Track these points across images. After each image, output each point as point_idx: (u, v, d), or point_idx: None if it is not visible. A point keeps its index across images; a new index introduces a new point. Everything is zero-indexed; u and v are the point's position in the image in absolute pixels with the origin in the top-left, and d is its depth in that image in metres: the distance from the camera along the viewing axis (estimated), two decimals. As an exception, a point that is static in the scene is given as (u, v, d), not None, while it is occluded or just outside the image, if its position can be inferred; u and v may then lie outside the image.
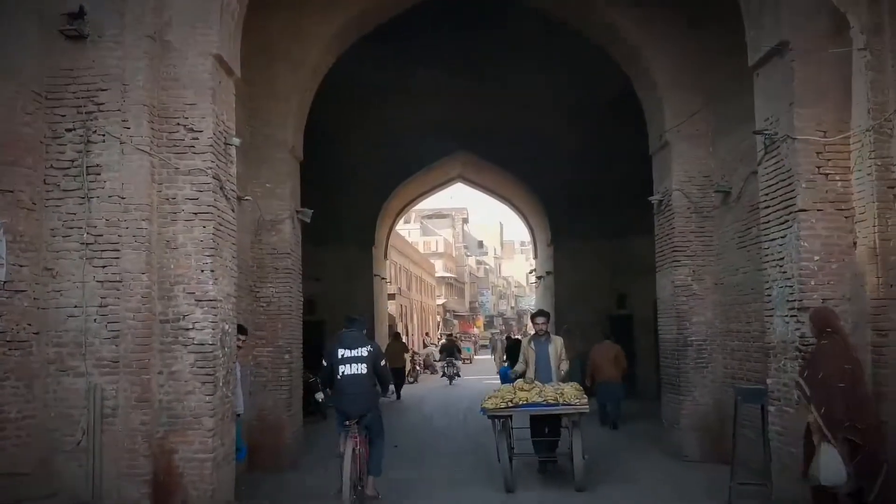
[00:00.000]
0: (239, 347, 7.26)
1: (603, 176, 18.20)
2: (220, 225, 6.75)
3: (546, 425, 8.26)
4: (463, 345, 38.34)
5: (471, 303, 67.00)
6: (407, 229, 45.50)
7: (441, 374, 26.23)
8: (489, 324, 70.01)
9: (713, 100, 9.56)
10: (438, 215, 67.16)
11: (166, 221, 6.35)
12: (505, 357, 22.52)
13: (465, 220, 77.83)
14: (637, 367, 17.81)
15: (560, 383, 8.12)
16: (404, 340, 25.90)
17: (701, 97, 9.67)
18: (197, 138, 6.39)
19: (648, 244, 17.37)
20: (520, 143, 19.01)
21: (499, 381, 23.95)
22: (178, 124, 6.39)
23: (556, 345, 8.57)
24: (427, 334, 38.57)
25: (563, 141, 18.45)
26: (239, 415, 7.32)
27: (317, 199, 19.77)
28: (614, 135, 17.26)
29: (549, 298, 20.76)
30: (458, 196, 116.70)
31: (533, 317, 10.06)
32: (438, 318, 49.58)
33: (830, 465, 5.00)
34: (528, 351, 8.71)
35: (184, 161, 6.37)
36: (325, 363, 7.35)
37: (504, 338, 26.04)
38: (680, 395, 9.63)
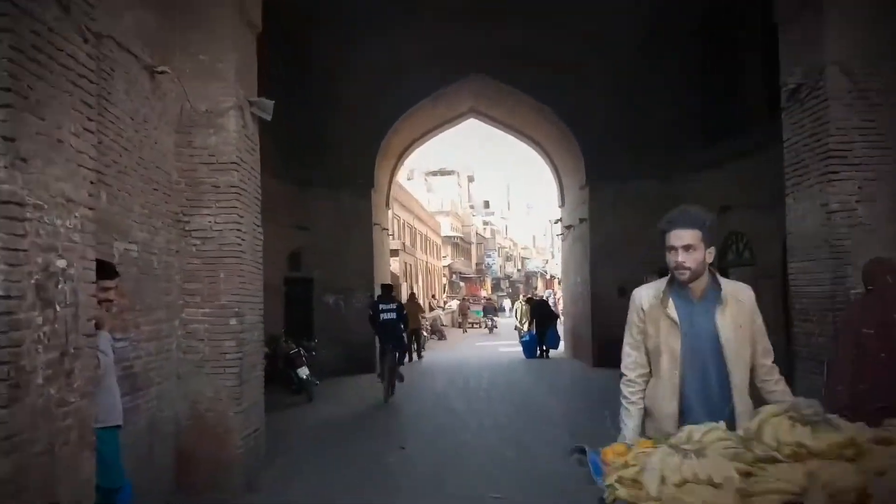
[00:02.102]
0: (102, 303, 3.91)
1: (648, 104, 15.13)
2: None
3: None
4: (473, 308, 35.45)
5: (477, 264, 63.83)
6: (410, 186, 42.06)
7: (484, 326, 33.11)
8: (496, 286, 67.05)
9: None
10: (443, 172, 63.76)
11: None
12: (527, 323, 19.31)
13: (471, 179, 74.51)
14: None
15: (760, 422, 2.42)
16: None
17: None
18: None
19: (707, 181, 14.11)
20: (547, 68, 15.74)
21: (521, 351, 21.09)
22: None
23: (737, 310, 3.11)
24: (433, 296, 35.40)
25: (601, 67, 15.40)
26: (115, 428, 4.05)
27: (306, 135, 16.54)
28: (662, 58, 14.64)
29: (579, 252, 17.42)
30: (465, 155, 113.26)
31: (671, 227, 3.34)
32: (444, 279, 46.38)
33: None
34: (654, 325, 3.09)
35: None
36: (371, 313, 12.15)
37: (525, 299, 22.76)
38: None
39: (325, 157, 15.75)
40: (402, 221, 31.46)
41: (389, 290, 12.72)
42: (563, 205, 19.87)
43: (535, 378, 14.72)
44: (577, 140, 16.39)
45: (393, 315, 11.88)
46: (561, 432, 8.55)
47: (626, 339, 3.14)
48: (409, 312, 18.91)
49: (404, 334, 12.10)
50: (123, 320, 5.05)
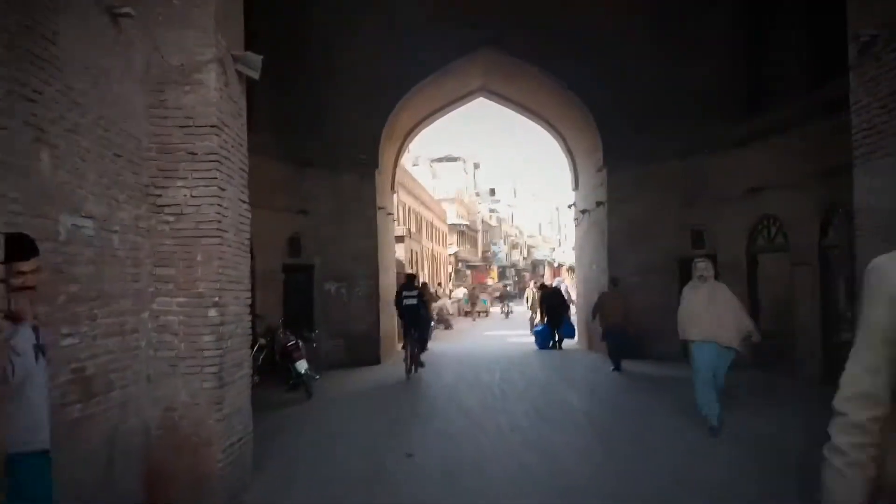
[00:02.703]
0: (19, 290, 2.96)
1: (671, 80, 14.22)
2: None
3: None
4: (481, 296, 34.60)
5: (483, 252, 62.86)
6: (416, 172, 41.04)
7: (501, 310, 33.76)
8: (502, 274, 66.15)
9: None
10: (449, 159, 62.75)
11: None
12: (539, 313, 18.44)
13: (477, 166, 73.45)
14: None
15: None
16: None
17: None
18: None
19: (736, 161, 13.11)
20: (562, 41, 14.75)
21: (531, 341, 20.17)
22: None
23: None
24: (439, 284, 34.42)
25: (620, 42, 14.57)
26: (42, 454, 3.12)
27: (305, 112, 15.57)
28: (686, 29, 13.90)
29: (595, 238, 16.45)
30: (471, 143, 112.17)
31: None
32: (450, 268, 45.45)
33: None
34: None
35: None
36: (396, 300, 13.61)
37: (537, 286, 21.79)
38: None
39: (326, 136, 14.80)
40: (407, 207, 30.50)
41: (412, 279, 14.08)
42: (576, 188, 18.87)
43: (551, 372, 13.79)
44: (594, 119, 15.39)
45: (414, 301, 13.15)
46: (591, 439, 7.64)
47: (858, 354, 1.72)
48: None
49: (430, 320, 13.47)
50: (73, 312, 4.13)
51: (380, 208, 15.68)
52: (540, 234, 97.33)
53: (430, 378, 12.81)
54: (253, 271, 10.18)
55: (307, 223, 14.43)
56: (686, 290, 7.76)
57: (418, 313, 13.36)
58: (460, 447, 7.39)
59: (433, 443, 7.65)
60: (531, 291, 21.59)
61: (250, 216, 6.23)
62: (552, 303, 18.02)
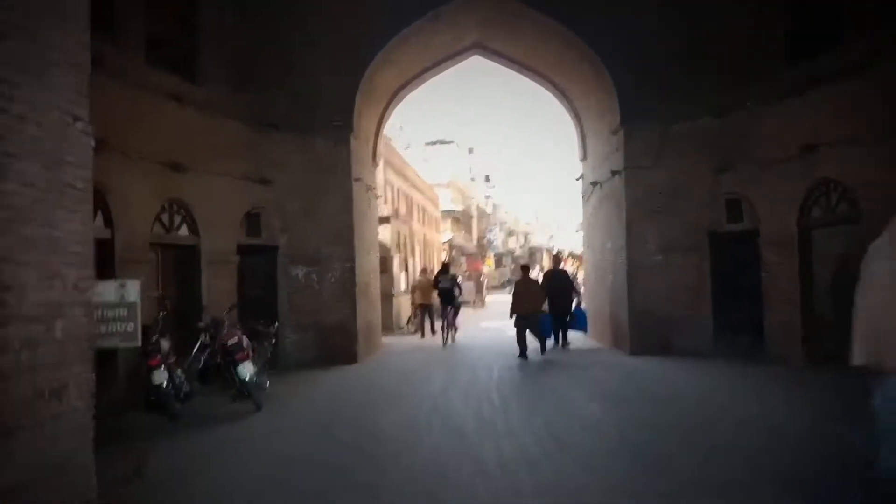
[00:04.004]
0: None
1: (702, 20, 11.99)
2: None
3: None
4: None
5: (479, 239, 60.59)
6: (407, 157, 38.60)
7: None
8: (498, 262, 64.01)
9: None
10: (441, 142, 60.28)
11: None
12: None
13: (471, 151, 71.06)
14: (770, 315, 11.41)
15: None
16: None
17: None
18: None
19: (784, 115, 10.85)
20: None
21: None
22: None
23: None
24: (423, 270, 31.96)
25: None
26: None
27: (266, 62, 13.03)
28: None
29: (611, 212, 14.14)
30: (463, 129, 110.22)
31: None
32: (444, 255, 43.16)
33: None
34: None
35: None
36: (434, 283, 17.61)
37: (549, 269, 19.44)
38: None
39: (293, 93, 12.45)
40: (396, 189, 28.13)
41: (447, 267, 17.83)
42: (584, 158, 16.56)
43: (560, 373, 11.50)
44: (609, 71, 13.03)
45: (448, 284, 16.94)
46: (641, 473, 5.33)
47: None
48: (421, 288, 19.06)
49: (459, 300, 17.02)
50: None
51: (356, 180, 13.32)
52: (536, 221, 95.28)
53: (416, 380, 10.53)
54: (109, 246, 7.86)
55: (269, 196, 12.10)
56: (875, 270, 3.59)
57: (452, 294, 16.76)
58: (453, 489, 5.09)
59: (417, 482, 5.36)
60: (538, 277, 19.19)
61: (92, 147, 3.86)
62: (556, 287, 14.81)
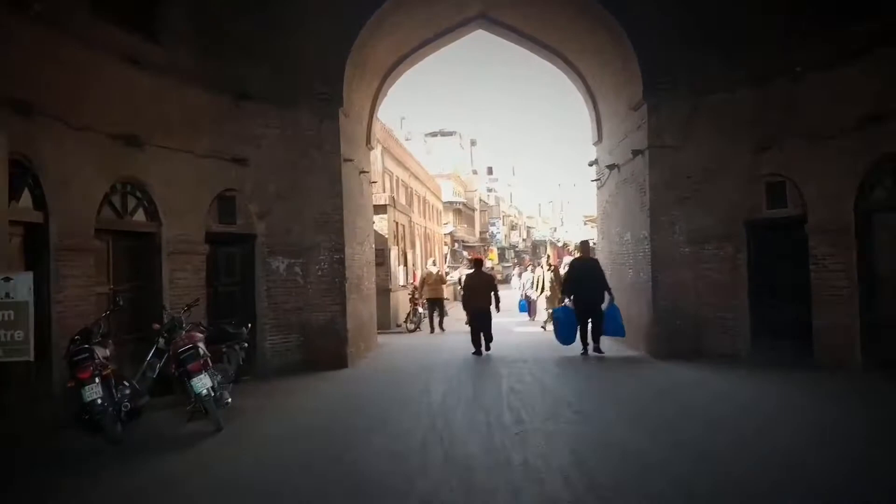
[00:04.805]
0: None
1: None
2: None
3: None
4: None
5: (481, 232, 59.16)
6: (409, 148, 37.06)
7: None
8: (501, 256, 62.60)
9: None
10: (443, 133, 58.90)
11: None
12: (565, 297, 13.71)
13: (473, 143, 69.61)
14: (819, 315, 9.92)
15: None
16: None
17: None
18: None
19: (838, 82, 9.34)
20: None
21: (540, 333, 16.41)
22: None
23: None
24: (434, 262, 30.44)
25: None
26: None
27: (244, 26, 11.31)
28: None
29: (631, 198, 12.63)
30: (465, 122, 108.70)
31: None
32: (446, 248, 41.66)
33: None
34: None
35: None
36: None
37: (548, 265, 17.95)
38: None
39: (273, 58, 10.93)
40: (396, 178, 26.64)
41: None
42: (599, 141, 15.03)
43: (582, 383, 9.99)
44: (629, 37, 11.49)
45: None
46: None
47: None
48: (430, 283, 17.96)
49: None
50: None
51: (347, 160, 11.81)
52: (539, 214, 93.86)
53: (410, 395, 9.05)
54: (42, 231, 6.61)
55: (244, 176, 10.60)
56: None
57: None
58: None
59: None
60: (541, 272, 17.66)
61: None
62: (586, 282, 12.10)
